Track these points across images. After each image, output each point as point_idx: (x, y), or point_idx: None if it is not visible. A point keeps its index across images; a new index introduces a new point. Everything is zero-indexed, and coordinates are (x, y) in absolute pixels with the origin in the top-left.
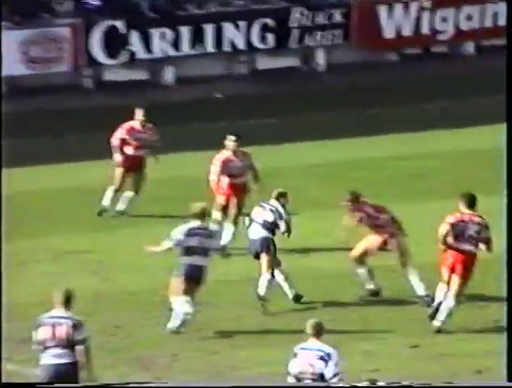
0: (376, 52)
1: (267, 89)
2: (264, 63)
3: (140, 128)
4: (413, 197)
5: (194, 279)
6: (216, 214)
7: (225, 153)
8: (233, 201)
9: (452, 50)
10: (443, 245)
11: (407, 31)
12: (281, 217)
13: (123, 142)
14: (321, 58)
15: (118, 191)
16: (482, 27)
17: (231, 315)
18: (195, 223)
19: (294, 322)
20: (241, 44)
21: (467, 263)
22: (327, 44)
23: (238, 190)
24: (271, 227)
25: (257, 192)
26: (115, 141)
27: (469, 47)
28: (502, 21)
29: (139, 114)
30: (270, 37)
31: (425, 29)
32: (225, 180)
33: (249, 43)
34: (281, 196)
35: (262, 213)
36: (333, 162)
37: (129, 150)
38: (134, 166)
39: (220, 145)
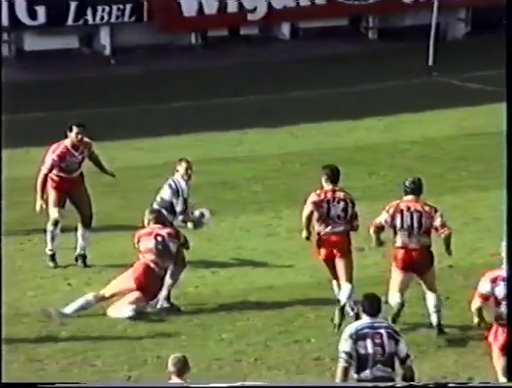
0: (174, 33)
1: (38, 76)
2: (33, 44)
3: None
4: (222, 209)
5: None
6: (53, 212)
7: (63, 145)
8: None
9: (264, 33)
10: (306, 230)
11: (211, 10)
12: (178, 194)
13: None
14: (106, 39)
15: None
16: (298, 7)
17: None
18: None
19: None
20: (3, 20)
21: (343, 245)
22: (114, 23)
23: (74, 186)
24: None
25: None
26: None
27: (284, 29)
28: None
29: None
30: (41, 12)
31: (232, 7)
32: (60, 175)
33: (13, 18)
34: (180, 165)
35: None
36: (126, 166)
37: None
38: None
39: None
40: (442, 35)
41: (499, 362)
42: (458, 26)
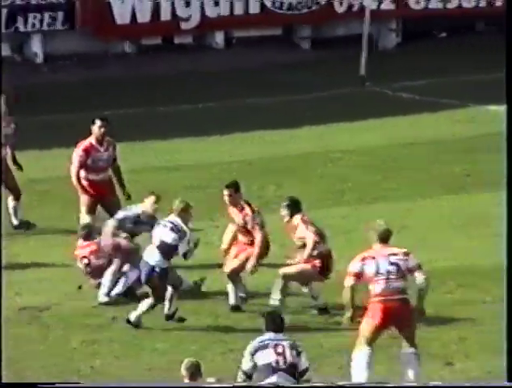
0: (106, 41)
1: None
2: None
3: None
4: (161, 217)
5: None
6: (85, 219)
7: (88, 141)
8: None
9: (198, 41)
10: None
11: (144, 18)
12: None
13: None
14: (38, 47)
15: None
16: (232, 16)
17: None
18: None
19: None
20: None
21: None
22: (45, 30)
23: (102, 188)
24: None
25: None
26: None
27: (218, 38)
28: (254, 8)
29: None
30: None
31: (165, 16)
32: (89, 178)
33: None
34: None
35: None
36: (61, 176)
37: None
38: None
39: None
40: (373, 45)
41: (367, 336)
42: (389, 36)
